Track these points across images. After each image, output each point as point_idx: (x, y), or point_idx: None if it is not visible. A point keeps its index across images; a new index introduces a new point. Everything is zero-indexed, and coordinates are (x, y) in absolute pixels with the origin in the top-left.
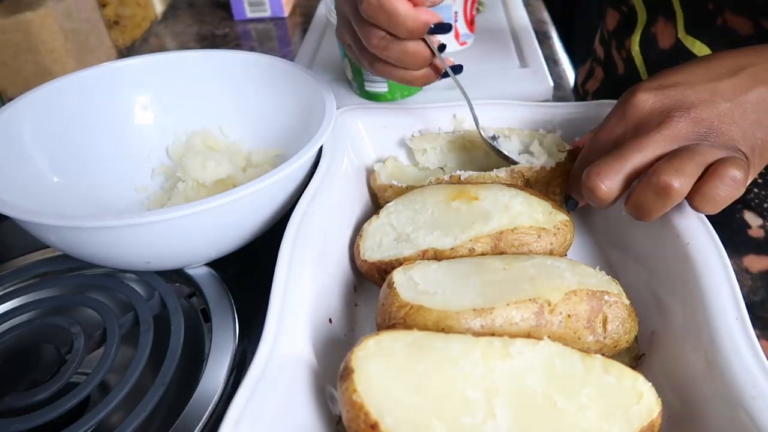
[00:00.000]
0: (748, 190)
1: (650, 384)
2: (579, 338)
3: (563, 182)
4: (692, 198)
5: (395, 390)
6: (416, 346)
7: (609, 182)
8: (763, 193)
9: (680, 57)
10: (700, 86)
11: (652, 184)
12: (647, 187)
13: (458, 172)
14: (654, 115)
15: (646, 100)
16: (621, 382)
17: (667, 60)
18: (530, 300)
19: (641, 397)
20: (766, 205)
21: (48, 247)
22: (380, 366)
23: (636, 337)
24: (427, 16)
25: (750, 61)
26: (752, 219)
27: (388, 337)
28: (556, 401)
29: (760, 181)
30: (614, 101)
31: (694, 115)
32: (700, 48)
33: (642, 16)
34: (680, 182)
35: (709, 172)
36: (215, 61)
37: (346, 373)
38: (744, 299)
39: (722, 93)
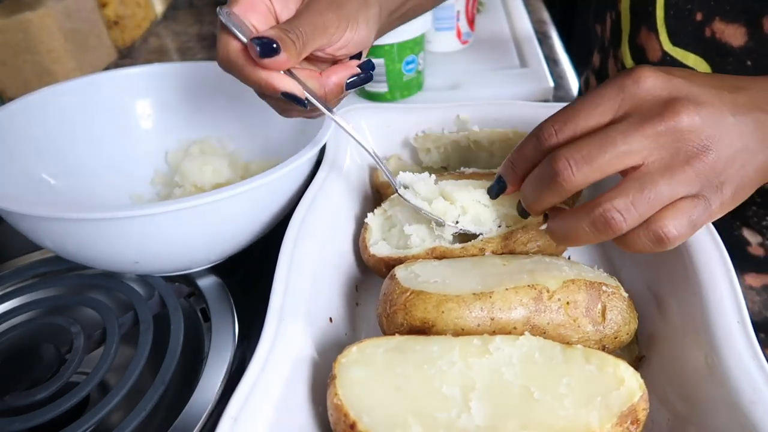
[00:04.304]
0: (747, 207)
1: (633, 370)
2: (579, 326)
3: None
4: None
5: (375, 391)
6: (397, 350)
7: (582, 173)
8: (762, 211)
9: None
10: (707, 89)
11: (651, 231)
12: (645, 231)
13: (462, 169)
14: (658, 99)
15: (654, 79)
16: (602, 370)
17: None
18: (529, 286)
19: (622, 383)
20: (764, 223)
21: None
22: (361, 370)
23: (636, 337)
24: (278, 83)
25: (745, 84)
26: (751, 236)
27: (370, 344)
28: (533, 392)
29: (758, 199)
30: None
31: (703, 113)
32: (695, 61)
33: (626, 25)
34: (680, 231)
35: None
36: (213, 73)
37: (330, 379)
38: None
39: (727, 104)
